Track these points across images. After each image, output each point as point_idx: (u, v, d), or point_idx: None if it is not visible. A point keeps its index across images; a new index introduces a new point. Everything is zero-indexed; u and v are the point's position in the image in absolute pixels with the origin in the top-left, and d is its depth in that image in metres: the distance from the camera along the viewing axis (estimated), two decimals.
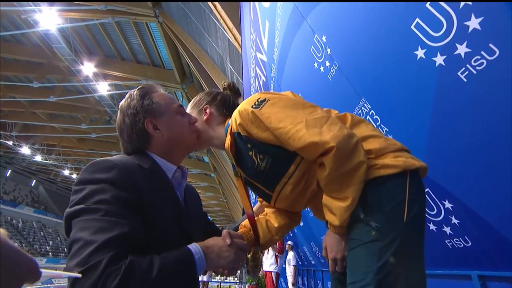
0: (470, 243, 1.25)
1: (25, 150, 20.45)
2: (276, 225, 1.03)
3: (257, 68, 3.99)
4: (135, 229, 0.61)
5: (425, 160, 0.83)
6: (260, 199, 1.11)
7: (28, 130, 20.00)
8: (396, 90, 1.34)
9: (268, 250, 5.75)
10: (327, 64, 1.83)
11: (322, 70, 1.91)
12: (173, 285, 0.60)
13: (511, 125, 0.90)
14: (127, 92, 0.88)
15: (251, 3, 3.52)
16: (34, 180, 37.76)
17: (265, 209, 1.12)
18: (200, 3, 6.53)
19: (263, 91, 3.95)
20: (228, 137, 0.89)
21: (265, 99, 0.83)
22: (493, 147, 0.99)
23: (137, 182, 0.68)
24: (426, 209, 1.36)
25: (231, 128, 0.88)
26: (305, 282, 5.95)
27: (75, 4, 10.22)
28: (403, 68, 1.25)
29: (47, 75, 14.88)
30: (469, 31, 0.91)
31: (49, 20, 9.97)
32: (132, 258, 0.57)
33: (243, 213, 1.07)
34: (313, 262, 5.11)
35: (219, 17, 5.35)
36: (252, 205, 1.04)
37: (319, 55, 1.91)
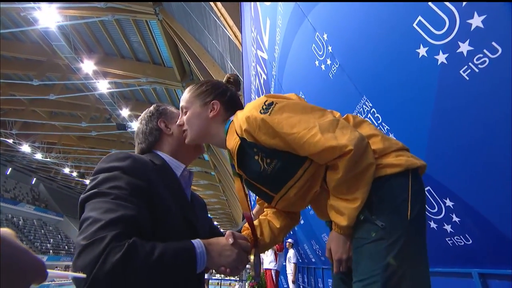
0: (470, 241, 1.26)
1: (25, 148, 20.42)
2: (278, 225, 1.03)
3: (257, 66, 3.98)
4: (141, 214, 0.65)
5: (426, 158, 0.84)
6: (260, 201, 1.10)
7: (28, 128, 19.98)
8: (398, 88, 1.34)
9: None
10: (328, 62, 1.83)
11: (323, 68, 1.91)
12: (172, 273, 0.62)
13: None
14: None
15: (252, 2, 3.50)
16: (35, 178, 37.79)
17: (265, 210, 1.11)
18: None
19: (263, 89, 3.94)
20: (236, 138, 0.85)
21: (272, 102, 0.80)
22: (495, 145, 0.99)
23: (147, 172, 0.73)
24: (427, 207, 1.37)
25: (236, 131, 0.84)
26: (305, 280, 5.97)
27: (74, 1, 10.18)
28: (404, 66, 1.25)
29: (47, 73, 14.85)
30: (472, 29, 0.91)
31: (48, 18, 9.93)
32: (136, 239, 0.60)
33: (243, 218, 1.05)
34: (313, 260, 5.13)
35: (219, 14, 5.33)
36: (252, 207, 1.03)
37: (320, 53, 1.90)
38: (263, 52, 3.44)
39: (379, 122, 1.52)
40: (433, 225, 1.39)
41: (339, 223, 0.79)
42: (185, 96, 0.96)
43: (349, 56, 1.65)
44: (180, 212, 0.77)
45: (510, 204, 1.01)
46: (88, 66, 12.29)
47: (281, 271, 6.15)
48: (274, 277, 5.83)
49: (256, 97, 4.20)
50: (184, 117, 0.93)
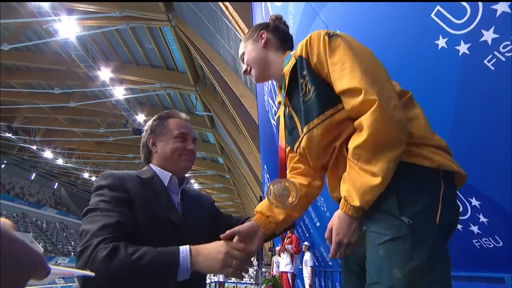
0: (501, 243, 1.18)
1: (47, 154, 21.31)
2: (302, 189, 0.95)
3: None
4: (126, 219, 0.79)
5: None
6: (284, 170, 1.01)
7: (50, 135, 20.86)
8: (416, 82, 1.28)
9: (284, 251, 5.69)
10: None
11: None
12: (152, 271, 0.69)
13: None
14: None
15: (263, 2, 3.50)
16: (57, 183, 39.30)
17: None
18: (211, 4, 6.59)
19: (275, 88, 3.92)
20: (292, 61, 0.87)
21: (337, 34, 0.81)
22: None
23: (127, 185, 0.86)
24: None
25: (295, 54, 0.88)
26: (322, 284, 5.86)
27: (92, 12, 10.58)
28: (423, 60, 1.20)
29: (66, 81, 15.47)
30: (497, 15, 0.85)
31: (68, 29, 10.38)
32: (123, 242, 0.72)
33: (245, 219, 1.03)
34: (330, 263, 5.02)
35: (230, 18, 5.37)
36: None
37: None
38: None
39: None
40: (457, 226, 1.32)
41: (350, 202, 0.70)
42: (240, 45, 1.04)
43: None
44: (163, 213, 0.87)
45: None
46: (105, 73, 12.70)
47: (297, 275, 6.06)
48: (290, 280, 5.75)
49: (269, 98, 4.17)
50: (245, 61, 1.01)
